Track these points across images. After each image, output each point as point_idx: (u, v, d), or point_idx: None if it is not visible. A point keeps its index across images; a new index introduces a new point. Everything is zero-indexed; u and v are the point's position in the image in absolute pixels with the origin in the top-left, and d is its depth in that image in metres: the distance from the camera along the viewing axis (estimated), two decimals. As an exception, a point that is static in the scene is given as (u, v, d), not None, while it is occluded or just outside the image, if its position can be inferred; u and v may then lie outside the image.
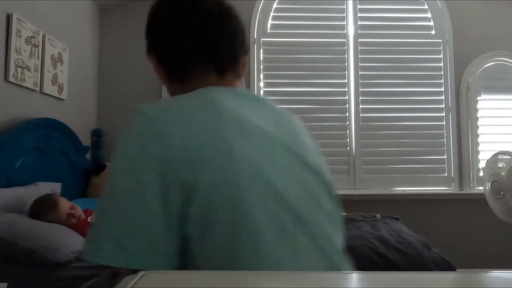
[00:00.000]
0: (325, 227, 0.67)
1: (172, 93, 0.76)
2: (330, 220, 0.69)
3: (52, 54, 2.54)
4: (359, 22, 3.34)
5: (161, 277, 0.41)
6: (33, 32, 2.33)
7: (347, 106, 3.27)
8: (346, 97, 3.28)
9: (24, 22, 2.23)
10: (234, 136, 0.57)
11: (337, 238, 0.71)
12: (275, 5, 3.34)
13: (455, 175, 3.23)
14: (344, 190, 3.18)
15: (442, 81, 3.31)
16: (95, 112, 3.28)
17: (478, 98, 3.30)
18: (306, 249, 0.60)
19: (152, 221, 0.52)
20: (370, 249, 1.66)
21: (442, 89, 3.30)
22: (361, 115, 3.26)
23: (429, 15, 3.35)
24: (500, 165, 2.49)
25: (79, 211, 1.91)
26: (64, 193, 2.19)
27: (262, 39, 3.32)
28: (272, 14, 3.34)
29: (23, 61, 2.22)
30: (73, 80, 2.84)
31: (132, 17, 3.34)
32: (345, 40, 3.33)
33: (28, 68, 2.27)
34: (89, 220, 1.91)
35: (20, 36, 2.19)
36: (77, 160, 2.72)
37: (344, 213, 2.60)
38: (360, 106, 3.27)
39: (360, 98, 3.28)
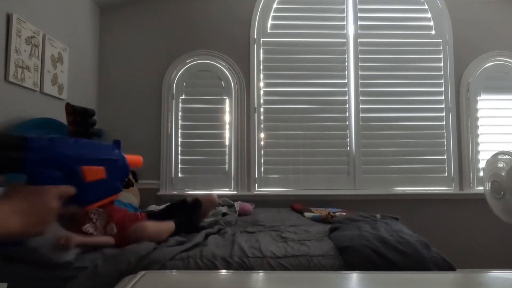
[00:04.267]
0: None
1: None
2: None
3: (52, 54, 2.54)
4: (359, 22, 3.34)
5: (161, 277, 0.41)
6: (33, 32, 2.33)
7: (347, 106, 3.27)
8: (346, 97, 3.28)
9: (24, 22, 2.23)
10: None
11: None
12: (275, 5, 3.34)
13: (455, 175, 3.24)
14: (344, 190, 3.19)
15: (442, 81, 3.31)
16: (95, 112, 3.27)
17: (478, 98, 3.30)
18: None
19: None
20: (370, 249, 1.66)
21: (442, 89, 3.30)
22: (361, 115, 3.27)
23: (429, 15, 3.35)
24: (500, 165, 2.49)
25: None
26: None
27: (262, 39, 3.32)
28: (272, 14, 3.34)
29: (23, 61, 2.22)
30: (73, 80, 2.84)
31: (132, 17, 3.34)
32: (345, 40, 3.33)
33: (28, 68, 2.27)
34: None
35: (20, 36, 2.19)
36: (77, 160, 2.71)
37: (344, 213, 2.60)
38: (360, 106, 3.27)
39: (360, 98, 3.28)
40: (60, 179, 0.65)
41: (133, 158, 0.80)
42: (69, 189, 0.64)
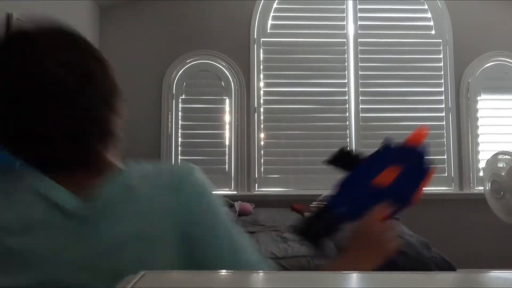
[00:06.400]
0: None
1: None
2: None
3: (52, 54, 2.54)
4: (359, 22, 3.34)
5: (161, 277, 0.41)
6: (33, 32, 2.32)
7: (347, 106, 3.27)
8: (346, 97, 3.28)
9: (24, 22, 2.22)
10: None
11: None
12: (275, 5, 3.34)
13: (455, 175, 3.23)
14: (344, 190, 3.18)
15: (442, 81, 3.31)
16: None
17: (478, 98, 3.30)
18: None
19: None
20: (370, 249, 1.66)
21: (442, 89, 3.30)
22: (361, 115, 3.26)
23: (429, 15, 3.35)
24: (500, 165, 2.48)
25: None
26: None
27: (262, 39, 3.32)
28: (272, 14, 3.34)
29: (23, 61, 2.22)
30: (73, 80, 2.84)
31: (132, 17, 3.34)
32: (345, 40, 3.33)
33: (28, 68, 2.27)
34: None
35: (20, 36, 2.19)
36: (77, 160, 2.71)
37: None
38: (360, 106, 3.27)
39: (360, 98, 3.28)
40: None
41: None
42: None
